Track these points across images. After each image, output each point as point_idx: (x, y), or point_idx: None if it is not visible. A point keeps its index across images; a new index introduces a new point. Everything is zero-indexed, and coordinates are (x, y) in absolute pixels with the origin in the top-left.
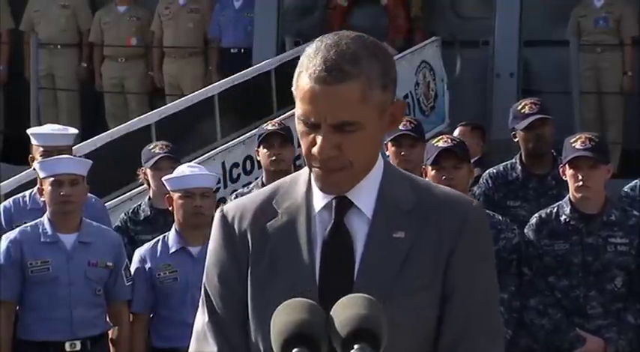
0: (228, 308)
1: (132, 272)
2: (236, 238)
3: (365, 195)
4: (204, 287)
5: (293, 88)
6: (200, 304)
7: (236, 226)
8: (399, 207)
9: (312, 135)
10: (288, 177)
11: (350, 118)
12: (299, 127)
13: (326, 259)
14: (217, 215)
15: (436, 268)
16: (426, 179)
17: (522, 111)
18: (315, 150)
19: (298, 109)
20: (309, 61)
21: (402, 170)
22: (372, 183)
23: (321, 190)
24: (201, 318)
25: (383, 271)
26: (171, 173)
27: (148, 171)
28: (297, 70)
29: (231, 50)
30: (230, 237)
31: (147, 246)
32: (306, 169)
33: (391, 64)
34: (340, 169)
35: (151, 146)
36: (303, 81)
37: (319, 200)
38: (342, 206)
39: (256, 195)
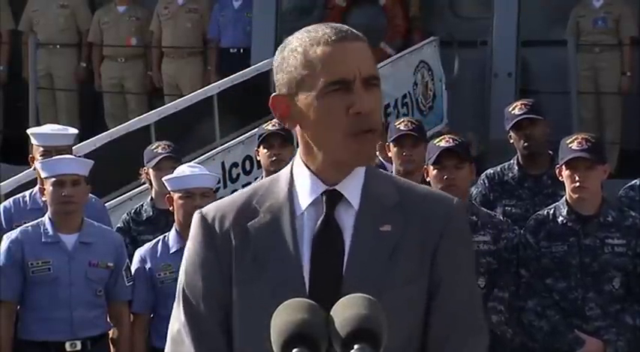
0: (210, 311)
1: (132, 273)
2: (218, 239)
3: (352, 190)
4: (182, 289)
5: (294, 75)
6: (175, 306)
7: (217, 227)
8: (384, 203)
9: (345, 100)
10: (266, 179)
11: (375, 72)
12: (322, 104)
13: (316, 254)
14: (196, 217)
15: (422, 263)
16: (405, 179)
17: (513, 112)
18: (356, 107)
19: (321, 81)
20: (313, 37)
21: (383, 171)
22: (358, 179)
23: (352, 162)
24: (178, 321)
25: (372, 264)
26: (173, 173)
27: (150, 171)
28: (293, 55)
29: (231, 50)
30: (211, 238)
31: (147, 246)
32: (285, 171)
33: None
34: (371, 131)
35: (153, 146)
36: (319, 50)
37: (306, 197)
38: (332, 199)
39: (235, 196)
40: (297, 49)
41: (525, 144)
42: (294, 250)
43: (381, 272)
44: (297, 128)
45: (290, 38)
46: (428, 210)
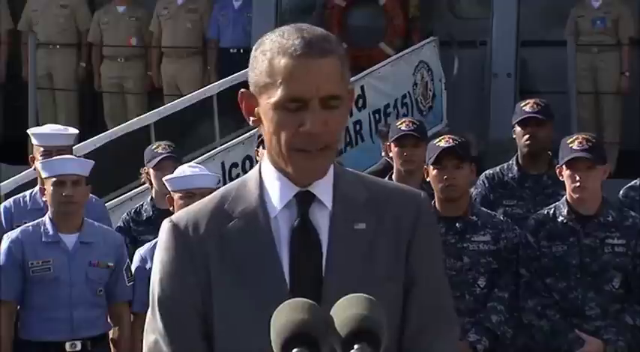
0: (189, 318)
1: (133, 273)
2: (192, 246)
3: (324, 190)
4: (158, 300)
5: (259, 80)
6: (150, 317)
7: (191, 234)
8: (355, 201)
9: (298, 117)
10: (234, 183)
11: (337, 92)
12: (276, 116)
13: (295, 255)
14: (166, 226)
15: (398, 258)
16: (369, 175)
17: (524, 108)
18: (307, 127)
19: (279, 93)
20: (281, 44)
21: (350, 169)
22: (328, 179)
23: (300, 178)
24: (155, 332)
25: (350, 263)
26: (173, 173)
27: (151, 171)
28: (262, 59)
29: (230, 50)
30: (186, 245)
31: (147, 246)
32: (251, 172)
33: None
34: (323, 149)
35: (154, 146)
36: (282, 62)
37: (278, 200)
38: (305, 200)
39: (205, 202)
40: (266, 53)
41: (527, 142)
42: (272, 253)
43: (360, 271)
44: (261, 127)
45: (266, 37)
46: (398, 207)
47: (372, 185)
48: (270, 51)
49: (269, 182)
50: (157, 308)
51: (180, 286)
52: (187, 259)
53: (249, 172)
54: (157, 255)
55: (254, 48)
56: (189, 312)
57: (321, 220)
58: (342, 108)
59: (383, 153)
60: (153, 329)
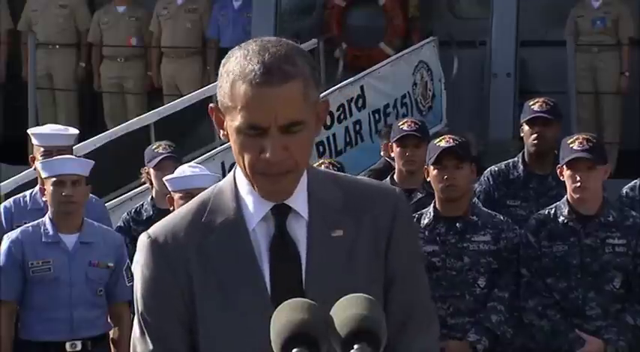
0: (175, 331)
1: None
2: (173, 262)
3: (299, 199)
4: (142, 315)
5: (223, 100)
6: (137, 334)
7: (170, 249)
8: (331, 207)
9: (258, 143)
10: (207, 192)
11: (297, 117)
12: (239, 139)
13: (275, 267)
14: (144, 240)
15: (377, 259)
16: (343, 173)
17: (532, 107)
18: (267, 155)
19: (239, 119)
20: (242, 68)
21: (322, 169)
22: (301, 186)
23: (264, 198)
24: (143, 347)
25: (329, 272)
26: (174, 173)
27: (151, 171)
28: (225, 79)
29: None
30: (166, 262)
31: None
32: (225, 182)
33: (315, 64)
34: (286, 173)
35: (154, 146)
36: (242, 88)
37: (255, 212)
38: (282, 212)
39: (181, 214)
40: (230, 75)
41: (535, 141)
42: (253, 265)
43: (342, 277)
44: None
45: (232, 53)
46: (374, 206)
47: (345, 185)
48: (233, 73)
49: (244, 193)
50: (142, 324)
51: (163, 301)
52: (168, 273)
53: (224, 180)
54: (137, 270)
55: (222, 62)
56: (175, 327)
57: (299, 230)
58: (305, 131)
59: (382, 153)
60: (140, 343)
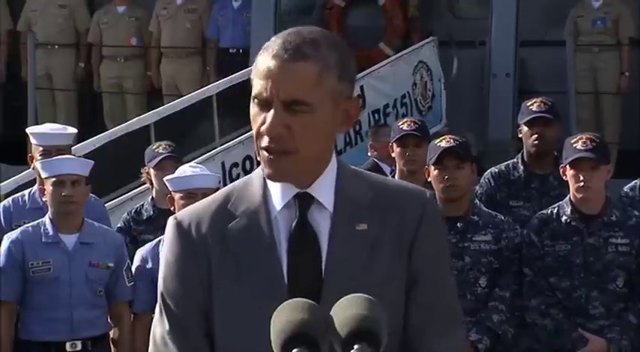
0: (191, 315)
1: (133, 273)
2: (195, 246)
3: (325, 191)
4: (162, 296)
5: (252, 73)
6: (157, 314)
7: (194, 233)
8: (358, 202)
9: (263, 115)
10: (239, 181)
11: (301, 97)
12: (252, 110)
13: (293, 257)
14: (171, 223)
15: (400, 259)
16: (376, 174)
17: (530, 107)
18: (264, 127)
19: (253, 89)
20: (271, 44)
21: (355, 168)
22: (330, 180)
23: (267, 178)
24: (161, 328)
25: (350, 265)
26: (174, 173)
27: (151, 171)
28: (261, 50)
29: (230, 50)
30: (189, 245)
31: (148, 246)
32: (256, 171)
33: (351, 60)
34: (285, 154)
35: (154, 146)
36: (259, 59)
37: (279, 199)
38: (305, 202)
39: (209, 201)
40: (261, 50)
41: (536, 142)
42: (273, 253)
43: (361, 271)
44: None
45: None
46: (402, 206)
47: (376, 184)
48: (264, 48)
49: (271, 182)
50: (162, 306)
51: (183, 284)
52: (189, 257)
53: (256, 170)
54: (162, 252)
55: None
56: (193, 310)
57: (322, 222)
58: (311, 114)
59: (369, 154)
60: (159, 323)
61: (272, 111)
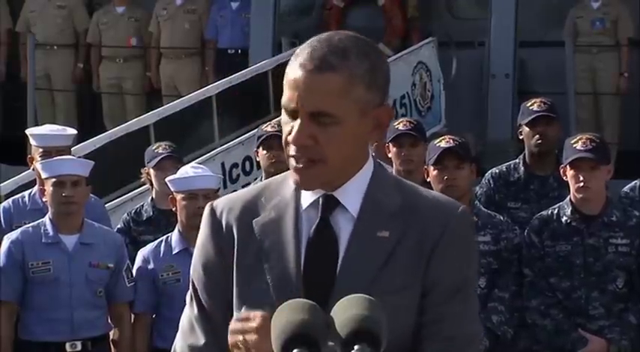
0: (214, 300)
1: (134, 273)
2: (222, 232)
3: (351, 196)
4: (192, 280)
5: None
6: (188, 298)
7: (223, 220)
8: (385, 209)
9: (291, 124)
10: (279, 176)
11: (326, 109)
12: (282, 117)
13: (310, 255)
14: (207, 209)
15: (417, 270)
16: (414, 184)
17: (531, 107)
18: (290, 137)
19: (283, 97)
20: (300, 52)
21: (394, 175)
22: (360, 185)
23: (295, 185)
24: (189, 312)
25: (365, 268)
26: (174, 173)
27: (151, 171)
28: (292, 58)
29: (229, 51)
30: (217, 230)
31: (150, 246)
32: None
33: (382, 67)
34: (313, 162)
35: (154, 146)
36: (290, 69)
37: (307, 197)
38: (329, 204)
39: (246, 191)
40: (292, 57)
41: (538, 141)
42: (294, 250)
43: (375, 278)
44: None
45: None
46: (429, 217)
47: (407, 191)
48: (293, 56)
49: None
50: (192, 290)
51: (206, 270)
52: (216, 245)
53: None
54: (198, 236)
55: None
56: (215, 295)
57: (344, 225)
58: (338, 126)
59: (372, 154)
60: (188, 307)
61: (298, 121)
